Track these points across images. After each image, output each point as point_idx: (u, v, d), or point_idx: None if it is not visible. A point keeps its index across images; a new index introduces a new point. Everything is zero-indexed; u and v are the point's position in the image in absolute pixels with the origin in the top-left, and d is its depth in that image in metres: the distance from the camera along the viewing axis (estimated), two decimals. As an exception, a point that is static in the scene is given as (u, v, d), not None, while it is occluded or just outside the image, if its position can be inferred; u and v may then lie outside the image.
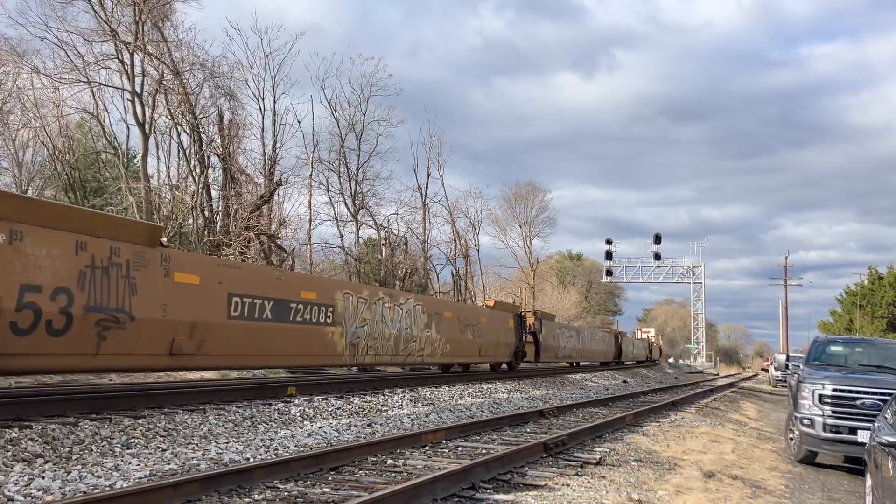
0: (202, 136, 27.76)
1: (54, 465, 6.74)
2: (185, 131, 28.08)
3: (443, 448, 9.20)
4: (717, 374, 58.17)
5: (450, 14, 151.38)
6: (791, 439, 11.67)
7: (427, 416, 12.40)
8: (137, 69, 26.02)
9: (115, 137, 30.09)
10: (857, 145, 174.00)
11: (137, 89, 25.86)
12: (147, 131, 26.21)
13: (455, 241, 44.78)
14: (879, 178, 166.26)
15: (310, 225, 33.09)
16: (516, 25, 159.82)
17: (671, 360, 73.15)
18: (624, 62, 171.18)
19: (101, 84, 26.97)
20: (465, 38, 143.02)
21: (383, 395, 13.77)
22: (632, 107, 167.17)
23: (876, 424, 7.23)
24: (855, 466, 10.55)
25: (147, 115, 26.22)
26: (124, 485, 6.26)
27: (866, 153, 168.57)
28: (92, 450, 7.41)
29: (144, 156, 26.44)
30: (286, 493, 6.24)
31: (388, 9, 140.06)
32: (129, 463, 7.00)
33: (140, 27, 25.18)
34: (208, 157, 28.09)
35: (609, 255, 70.64)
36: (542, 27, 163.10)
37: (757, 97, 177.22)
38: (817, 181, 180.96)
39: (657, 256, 70.14)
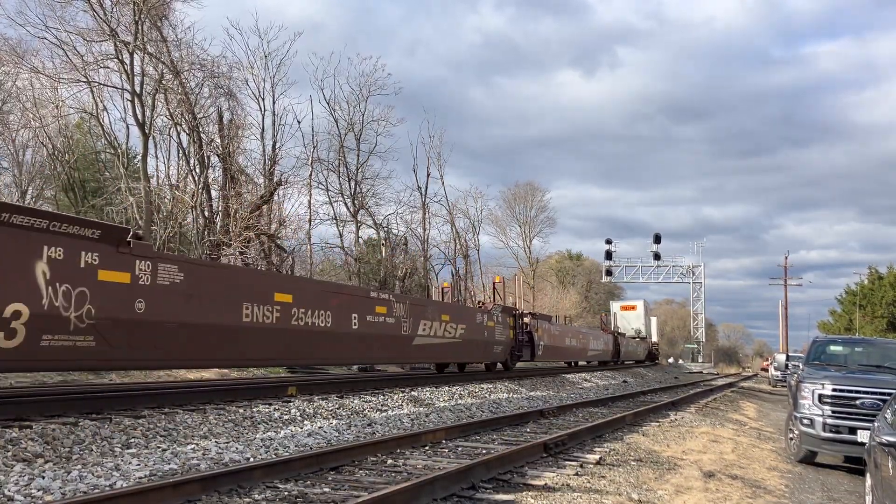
0: (202, 135, 27.75)
1: (54, 464, 6.74)
2: (184, 131, 28.08)
3: (443, 448, 9.20)
4: (717, 374, 58.09)
5: (449, 11, 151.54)
6: (791, 439, 11.67)
7: (427, 415, 12.41)
8: (137, 69, 26.00)
9: (115, 137, 30.12)
10: (860, 144, 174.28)
11: (137, 89, 25.84)
12: (147, 131, 26.20)
13: (455, 240, 44.83)
14: (882, 177, 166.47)
15: (310, 225, 33.14)
16: (516, 22, 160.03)
17: (671, 360, 73.05)
18: (625, 60, 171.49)
19: (100, 84, 26.97)
20: (464, 36, 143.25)
21: (383, 395, 13.76)
22: (633, 105, 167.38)
23: (875, 424, 7.24)
24: (855, 466, 10.55)
25: (147, 114, 26.21)
26: (124, 485, 6.26)
27: (869, 152, 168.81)
28: (92, 450, 7.41)
29: (144, 156, 26.43)
30: (286, 493, 6.24)
31: (387, 6, 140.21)
32: (130, 463, 7.00)
33: (139, 27, 25.16)
34: (208, 157, 28.09)
35: (609, 255, 70.66)
36: (543, 24, 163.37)
37: (759, 96, 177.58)
38: (819, 180, 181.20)
39: (657, 256, 70.15)
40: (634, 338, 50.52)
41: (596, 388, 24.26)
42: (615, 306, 58.82)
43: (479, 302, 25.61)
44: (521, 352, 24.57)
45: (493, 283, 28.50)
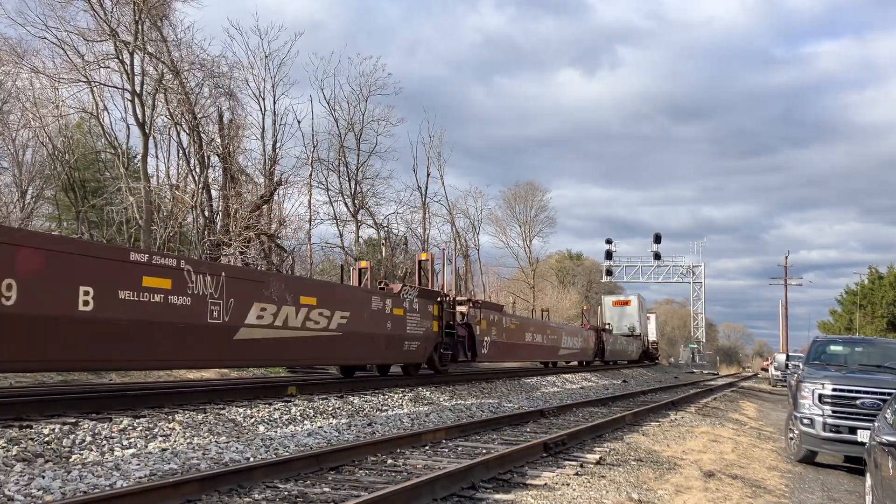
0: (202, 135, 27.78)
1: (54, 464, 6.75)
2: (184, 131, 28.12)
3: (443, 448, 9.20)
4: (717, 374, 58.04)
5: (449, 11, 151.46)
6: (791, 439, 11.67)
7: (427, 415, 12.41)
8: (137, 69, 26.05)
9: (115, 137, 30.16)
10: (860, 144, 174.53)
11: (137, 89, 25.86)
12: (147, 131, 26.23)
13: (455, 240, 44.84)
14: (882, 176, 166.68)
15: (310, 225, 33.17)
16: (517, 22, 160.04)
17: (671, 360, 73.01)
18: (626, 59, 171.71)
19: (100, 84, 27.02)
20: (464, 35, 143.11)
21: (383, 395, 13.77)
22: (633, 105, 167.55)
23: (876, 424, 7.24)
24: (855, 466, 10.55)
25: (147, 114, 26.23)
26: (124, 484, 6.26)
27: (869, 152, 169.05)
28: (92, 449, 7.41)
29: (144, 155, 26.46)
30: (286, 493, 6.25)
31: (387, 5, 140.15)
32: (129, 463, 7.00)
33: (139, 27, 25.18)
34: (208, 157, 28.12)
35: (609, 255, 70.67)
36: (544, 23, 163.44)
37: (760, 95, 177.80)
38: (819, 180, 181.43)
39: (657, 256, 70.20)
40: (628, 335, 45.90)
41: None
42: (607, 301, 52.31)
43: (382, 282, 19.31)
44: (457, 349, 19.48)
45: (419, 262, 22.02)
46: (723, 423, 15.38)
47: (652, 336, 54.78)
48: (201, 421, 9.28)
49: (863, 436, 9.37)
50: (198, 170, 27.57)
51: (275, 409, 10.66)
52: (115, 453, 7.44)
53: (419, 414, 12.62)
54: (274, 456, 7.95)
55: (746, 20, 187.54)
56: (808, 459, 11.05)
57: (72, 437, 7.60)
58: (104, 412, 9.23)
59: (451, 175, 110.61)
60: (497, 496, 6.61)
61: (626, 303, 50.85)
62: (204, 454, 7.74)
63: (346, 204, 36.15)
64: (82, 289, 9.04)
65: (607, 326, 42.11)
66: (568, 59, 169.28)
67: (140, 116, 25.89)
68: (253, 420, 9.92)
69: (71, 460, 6.99)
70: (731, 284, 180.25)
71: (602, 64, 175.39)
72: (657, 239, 70.82)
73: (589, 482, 7.48)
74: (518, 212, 62.11)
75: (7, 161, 29.98)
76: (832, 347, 12.89)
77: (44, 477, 6.20)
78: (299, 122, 35.11)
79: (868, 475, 7.25)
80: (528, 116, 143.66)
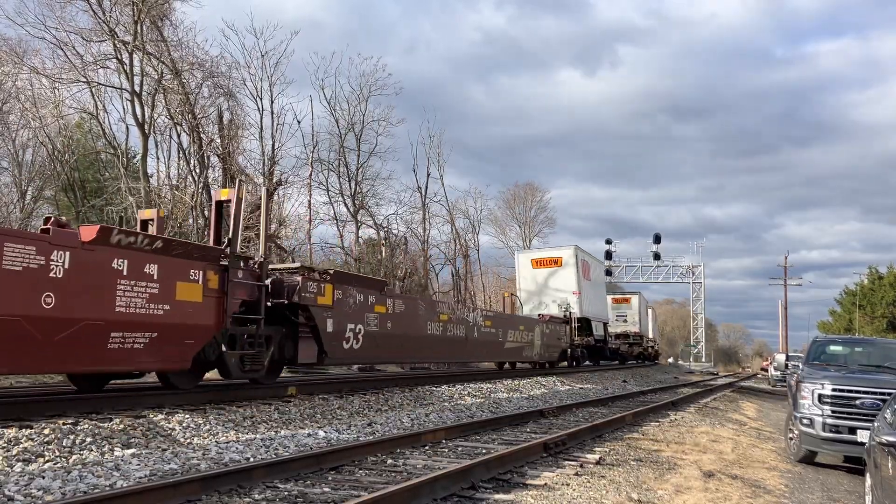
0: (202, 135, 27.77)
1: (54, 464, 6.75)
2: (184, 131, 28.10)
3: (443, 448, 9.21)
4: (717, 374, 57.98)
5: (449, 9, 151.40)
6: (791, 439, 11.68)
7: (427, 415, 12.41)
8: (136, 69, 26.02)
9: (115, 137, 30.10)
10: (862, 143, 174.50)
11: (136, 89, 25.85)
12: (146, 131, 26.21)
13: (455, 240, 44.86)
14: (883, 176, 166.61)
15: (310, 225, 33.13)
16: (517, 21, 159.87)
17: (671, 360, 72.94)
18: (626, 58, 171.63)
19: (100, 84, 26.98)
20: (464, 34, 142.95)
21: (383, 395, 13.77)
22: (634, 104, 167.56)
23: (875, 424, 7.25)
24: (855, 466, 10.55)
25: (146, 114, 26.22)
26: (124, 484, 6.26)
27: (871, 151, 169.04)
28: (92, 449, 7.41)
29: (144, 156, 26.44)
30: (286, 493, 6.25)
31: (386, 4, 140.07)
32: (130, 462, 7.00)
33: (139, 27, 25.17)
34: (208, 157, 28.11)
35: (609, 255, 70.54)
36: (544, 22, 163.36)
37: (761, 94, 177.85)
38: (820, 180, 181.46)
39: (657, 256, 70.15)
40: (556, 318, 28.21)
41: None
42: (523, 260, 33.07)
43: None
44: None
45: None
46: (723, 423, 15.38)
47: (632, 326, 40.79)
48: (202, 420, 9.28)
49: (862, 436, 9.37)
50: (198, 170, 27.57)
51: (275, 409, 10.66)
52: (115, 453, 7.44)
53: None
54: (274, 456, 7.95)
55: (748, 18, 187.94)
56: (808, 459, 11.05)
57: (72, 437, 7.60)
58: (104, 412, 9.23)
59: (451, 175, 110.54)
60: (497, 496, 6.62)
61: (555, 262, 31.09)
62: (204, 454, 7.74)
63: (346, 204, 36.14)
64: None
65: (517, 303, 28.17)
66: (568, 58, 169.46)
67: (140, 116, 25.88)
68: (253, 420, 9.92)
69: (71, 460, 6.99)
70: (731, 284, 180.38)
71: (602, 63, 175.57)
72: (657, 239, 70.79)
73: (589, 482, 7.48)
74: (518, 212, 62.10)
75: (7, 161, 29.97)
76: (832, 347, 12.89)
77: (44, 477, 6.19)
78: (299, 122, 34.97)
79: (868, 475, 7.26)
80: (528, 116, 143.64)
